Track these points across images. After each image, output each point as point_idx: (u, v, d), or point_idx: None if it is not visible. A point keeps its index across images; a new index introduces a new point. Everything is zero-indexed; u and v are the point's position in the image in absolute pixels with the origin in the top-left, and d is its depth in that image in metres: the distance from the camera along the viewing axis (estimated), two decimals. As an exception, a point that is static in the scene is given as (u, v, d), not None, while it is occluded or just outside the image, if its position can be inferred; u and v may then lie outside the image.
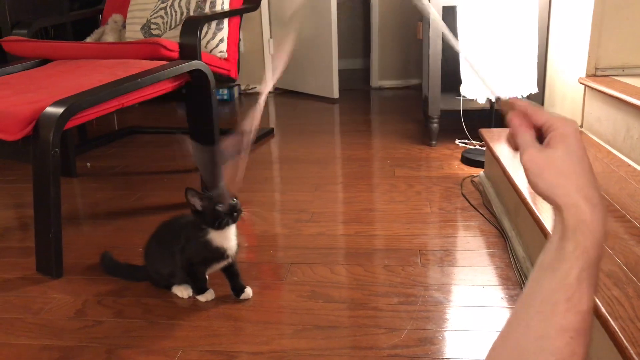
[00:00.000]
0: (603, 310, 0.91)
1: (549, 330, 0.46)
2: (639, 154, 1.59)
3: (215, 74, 2.48)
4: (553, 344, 0.45)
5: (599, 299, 0.94)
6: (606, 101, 1.85)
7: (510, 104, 0.55)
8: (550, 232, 0.51)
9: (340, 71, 4.10)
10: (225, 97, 4.18)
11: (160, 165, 2.66)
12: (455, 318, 1.34)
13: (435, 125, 2.68)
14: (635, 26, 1.96)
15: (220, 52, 2.74)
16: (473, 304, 1.39)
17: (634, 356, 0.79)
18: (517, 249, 1.58)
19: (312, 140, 3.04)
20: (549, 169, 0.49)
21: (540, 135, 0.52)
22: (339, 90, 4.07)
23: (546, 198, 0.50)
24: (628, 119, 1.68)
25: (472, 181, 2.20)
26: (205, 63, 2.14)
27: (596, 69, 2.01)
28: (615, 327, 0.87)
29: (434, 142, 2.72)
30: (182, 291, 1.46)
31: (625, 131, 1.69)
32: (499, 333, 0.51)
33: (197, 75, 2.04)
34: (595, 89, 1.90)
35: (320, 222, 1.93)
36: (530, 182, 0.51)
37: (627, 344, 0.82)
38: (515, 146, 0.53)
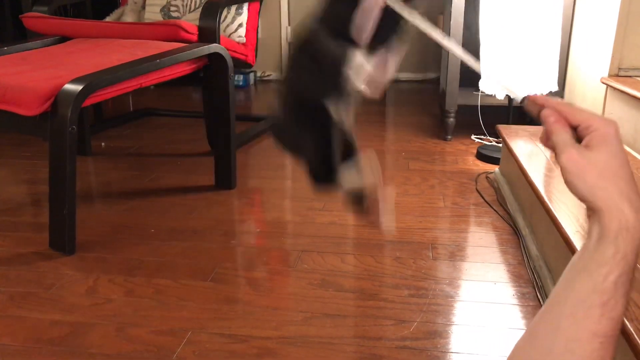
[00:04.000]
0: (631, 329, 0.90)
1: (580, 333, 0.45)
2: (659, 157, 1.56)
3: (232, 58, 2.48)
4: (583, 347, 0.45)
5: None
6: (628, 102, 1.82)
7: (541, 102, 0.53)
8: (581, 233, 0.50)
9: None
10: (240, 83, 4.17)
11: (175, 147, 2.66)
12: (465, 313, 1.33)
13: (451, 119, 2.66)
14: (661, 27, 1.93)
15: (239, 36, 2.74)
16: (483, 300, 1.38)
17: (650, 359, 0.78)
18: (531, 247, 1.56)
19: (327, 130, 3.03)
20: (591, 171, 0.48)
21: (576, 135, 0.51)
22: (355, 80, 4.06)
23: (585, 200, 0.49)
24: (650, 121, 1.65)
25: (487, 177, 2.18)
26: (224, 47, 2.13)
27: (619, 68, 1.97)
28: (631, 329, 0.86)
29: (449, 137, 2.70)
30: None
31: (647, 133, 1.66)
32: (525, 332, 0.51)
33: (215, 59, 2.03)
34: (617, 89, 1.88)
35: (333, 211, 1.92)
36: (568, 183, 0.49)
37: (642, 346, 0.81)
38: (551, 145, 0.51)
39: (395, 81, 4.42)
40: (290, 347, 1.19)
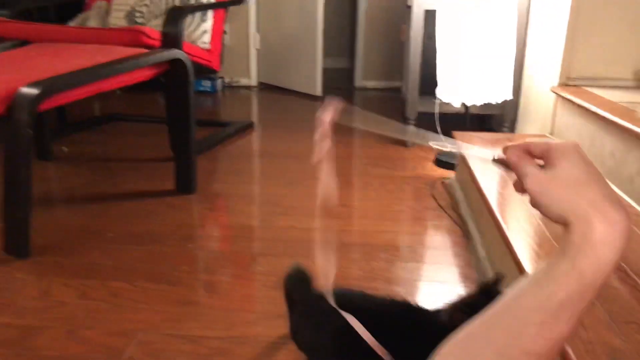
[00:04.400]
0: (571, 355, 0.92)
1: (512, 350, 0.42)
2: (601, 163, 1.64)
3: (196, 64, 2.50)
4: None
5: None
6: (574, 111, 1.90)
7: (508, 149, 0.52)
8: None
9: (324, 69, 4.12)
10: (208, 88, 4.18)
11: (138, 152, 2.66)
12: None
13: (412, 126, 2.72)
14: (606, 39, 2.02)
15: (203, 43, 2.76)
16: (432, 299, 1.43)
17: (569, 350, 0.83)
18: (479, 249, 1.62)
19: (293, 136, 3.07)
20: (556, 185, 0.46)
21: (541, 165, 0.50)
22: (323, 88, 4.10)
23: (557, 217, 0.45)
24: (593, 130, 1.73)
25: (442, 183, 2.24)
26: (187, 53, 2.15)
27: (568, 78, 2.06)
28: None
29: (409, 144, 2.76)
30: None
31: (590, 140, 1.74)
32: (463, 330, 0.47)
33: (176, 64, 2.05)
34: (566, 98, 1.96)
35: (293, 215, 1.95)
36: (538, 205, 0.47)
37: (564, 339, 0.86)
38: (522, 187, 0.49)
39: (362, 89, 4.48)
40: (240, 346, 1.22)
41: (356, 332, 0.88)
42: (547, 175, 0.47)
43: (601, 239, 0.42)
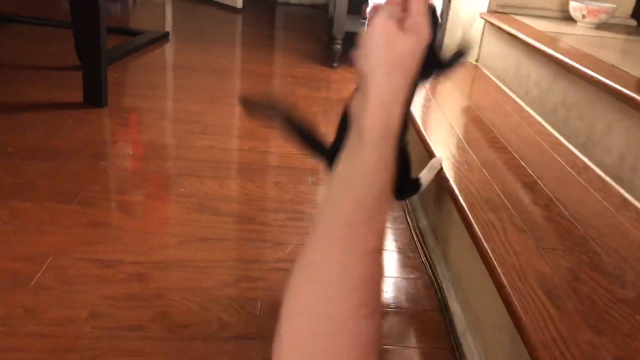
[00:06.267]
0: (478, 233, 0.96)
1: (352, 257, 0.41)
2: (525, 92, 1.66)
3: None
4: (355, 269, 0.40)
5: (475, 222, 0.98)
6: (502, 38, 1.90)
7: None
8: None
9: (245, -20, 3.88)
10: (117, -7, 3.82)
11: (39, 59, 2.40)
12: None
13: (338, 47, 2.64)
14: (538, -34, 2.00)
15: (113, -62, 2.47)
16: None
17: (502, 275, 0.85)
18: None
19: (211, 50, 2.89)
20: (391, 48, 0.44)
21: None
22: (244, 0, 3.87)
23: (361, 69, 0.45)
24: (519, 57, 1.74)
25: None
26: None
27: (497, 5, 2.04)
28: (488, 249, 0.92)
29: (335, 65, 2.69)
30: None
31: (516, 69, 1.75)
32: (299, 262, 0.42)
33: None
34: (494, 25, 1.94)
35: (214, 135, 1.85)
36: (366, 46, 0.45)
37: (496, 265, 0.87)
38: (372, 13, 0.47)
39: (285, 4, 4.28)
40: (161, 271, 1.16)
41: None
42: (396, 33, 0.45)
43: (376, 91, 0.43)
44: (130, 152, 1.69)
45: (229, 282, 1.15)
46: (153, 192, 1.48)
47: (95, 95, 1.95)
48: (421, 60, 0.47)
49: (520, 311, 0.77)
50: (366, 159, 0.43)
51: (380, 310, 0.42)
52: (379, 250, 0.42)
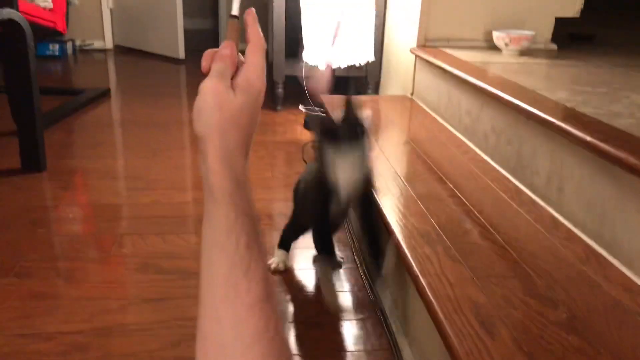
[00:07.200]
0: (415, 268, 0.97)
1: (241, 313, 0.40)
2: (458, 121, 1.71)
3: (37, 25, 2.23)
4: (248, 324, 0.40)
5: (412, 257, 0.99)
6: (433, 71, 1.96)
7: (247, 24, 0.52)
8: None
9: (187, 31, 3.92)
10: (56, 52, 3.80)
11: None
12: (290, 278, 1.35)
13: (280, 90, 2.68)
14: (459, 1, 2.09)
15: (44, 1, 2.47)
16: (305, 267, 1.42)
17: (437, 309, 0.85)
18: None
19: (155, 103, 2.88)
20: (225, 111, 0.45)
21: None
22: (186, 50, 3.90)
23: (199, 133, 0.46)
24: (450, 88, 1.80)
25: (312, 147, 2.23)
26: (23, 12, 1.90)
27: (425, 39, 2.12)
28: (424, 283, 0.93)
29: (279, 107, 2.72)
30: None
31: (447, 99, 1.81)
32: (197, 332, 0.42)
33: (11, 26, 1.80)
34: (424, 59, 2.01)
35: (157, 189, 1.83)
36: (197, 110, 0.46)
37: (432, 298, 0.88)
38: (207, 68, 0.48)
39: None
40: (103, 338, 1.12)
41: None
42: (227, 95, 0.46)
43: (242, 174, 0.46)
44: (71, 216, 1.65)
45: (174, 342, 1.12)
46: (95, 255, 1.44)
47: (33, 160, 1.91)
48: (258, 110, 0.48)
49: (455, 344, 0.77)
50: (225, 217, 0.43)
51: (288, 357, 0.42)
52: (265, 299, 0.41)
